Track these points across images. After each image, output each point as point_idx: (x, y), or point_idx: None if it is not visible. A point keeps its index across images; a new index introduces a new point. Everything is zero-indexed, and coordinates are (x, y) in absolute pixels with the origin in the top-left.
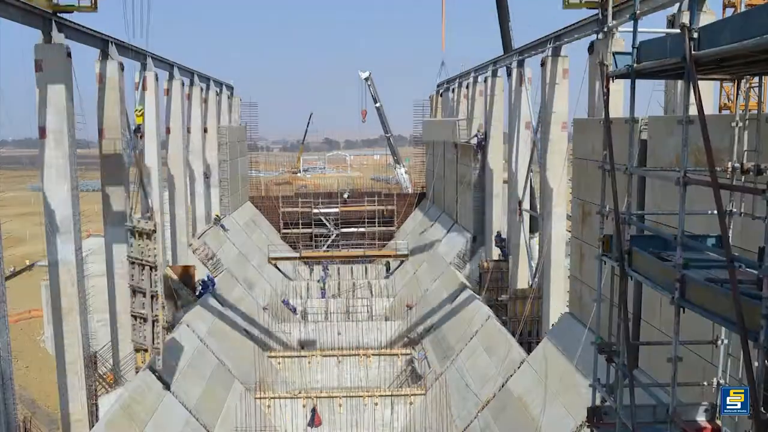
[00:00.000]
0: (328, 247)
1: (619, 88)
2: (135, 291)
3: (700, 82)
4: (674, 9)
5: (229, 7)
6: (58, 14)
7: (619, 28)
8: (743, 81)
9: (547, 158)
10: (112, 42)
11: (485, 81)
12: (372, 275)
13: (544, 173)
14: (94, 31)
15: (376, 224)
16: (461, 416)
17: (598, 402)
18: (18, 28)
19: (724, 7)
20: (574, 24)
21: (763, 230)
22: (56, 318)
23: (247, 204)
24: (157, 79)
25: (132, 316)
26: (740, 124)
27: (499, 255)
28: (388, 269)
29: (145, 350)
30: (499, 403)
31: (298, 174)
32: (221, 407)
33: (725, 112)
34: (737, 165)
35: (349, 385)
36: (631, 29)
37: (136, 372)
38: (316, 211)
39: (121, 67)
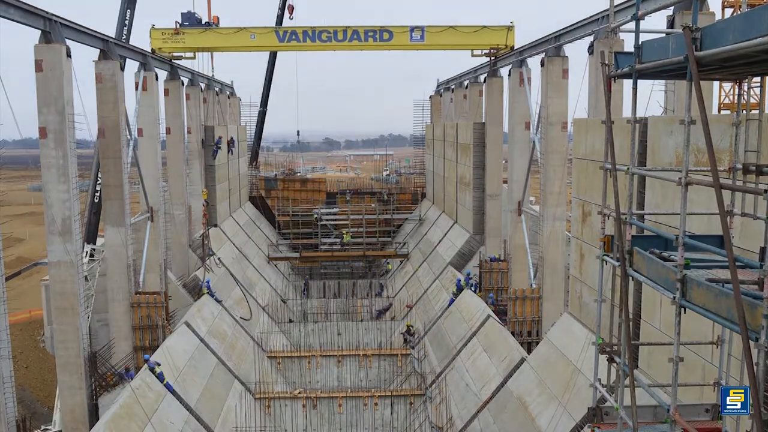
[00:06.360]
0: (328, 247)
1: (619, 88)
2: None
3: (701, 83)
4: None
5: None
6: (174, 60)
7: (620, 28)
8: (744, 81)
9: (547, 158)
10: (112, 42)
11: (485, 81)
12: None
13: (544, 173)
14: (94, 31)
15: (376, 224)
16: (461, 416)
17: (598, 402)
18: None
19: (724, 7)
20: (574, 24)
21: (763, 230)
22: (56, 318)
23: (247, 204)
24: (156, 79)
25: None
26: (742, 124)
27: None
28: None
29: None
30: (499, 403)
31: (298, 174)
32: (221, 407)
33: (725, 112)
34: (738, 165)
35: (349, 385)
36: (633, 29)
37: (137, 372)
38: (315, 211)
39: (121, 67)
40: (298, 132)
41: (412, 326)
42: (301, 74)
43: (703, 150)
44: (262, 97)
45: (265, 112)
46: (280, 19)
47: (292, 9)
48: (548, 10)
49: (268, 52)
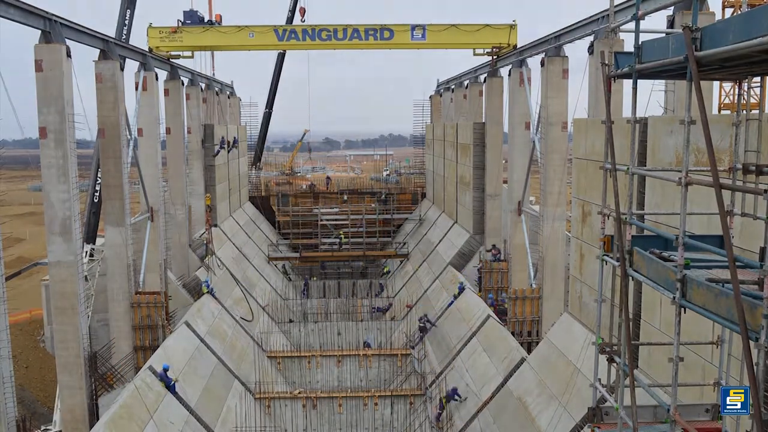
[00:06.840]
0: (328, 247)
1: (619, 88)
2: None
3: (701, 83)
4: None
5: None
6: (171, 60)
7: (620, 28)
8: (744, 81)
9: (547, 158)
10: (112, 42)
11: (485, 81)
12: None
13: (544, 173)
14: (94, 31)
15: (376, 224)
16: (461, 416)
17: (598, 402)
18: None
19: (724, 6)
20: (574, 24)
21: (762, 230)
22: (56, 318)
23: (247, 204)
24: (156, 78)
25: None
26: (742, 124)
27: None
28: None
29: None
30: (499, 403)
31: (298, 174)
32: (221, 407)
33: (725, 112)
34: (738, 165)
35: (349, 385)
36: (633, 29)
37: (136, 372)
38: (315, 211)
39: (121, 67)
40: (309, 149)
41: (426, 315)
42: (300, 73)
43: (703, 150)
44: (267, 98)
45: (271, 113)
46: (290, 21)
47: (303, 11)
48: (548, 10)
49: (276, 53)
